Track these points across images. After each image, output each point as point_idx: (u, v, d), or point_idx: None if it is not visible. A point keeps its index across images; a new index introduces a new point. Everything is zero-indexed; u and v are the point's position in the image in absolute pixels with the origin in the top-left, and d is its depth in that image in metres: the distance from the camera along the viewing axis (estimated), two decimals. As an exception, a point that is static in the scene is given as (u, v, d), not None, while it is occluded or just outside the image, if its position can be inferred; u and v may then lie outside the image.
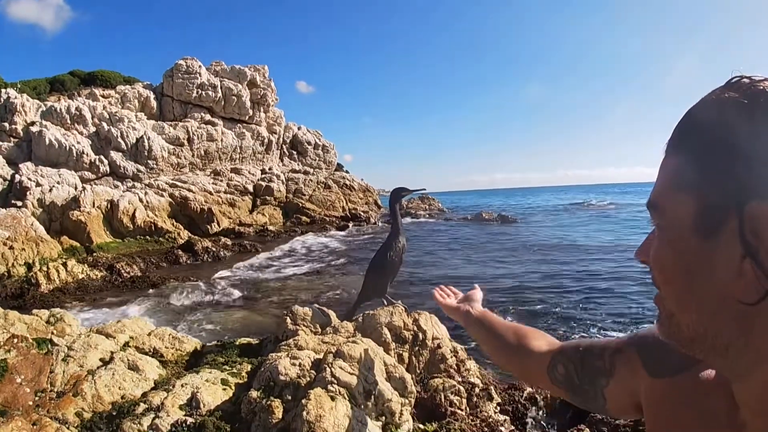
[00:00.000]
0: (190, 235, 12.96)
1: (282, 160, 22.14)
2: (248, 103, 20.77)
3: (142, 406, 1.94)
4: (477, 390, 2.52)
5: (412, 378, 2.27)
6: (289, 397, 1.91)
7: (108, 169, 15.91)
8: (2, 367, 2.03)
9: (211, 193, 15.91)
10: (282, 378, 1.97)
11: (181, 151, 17.85)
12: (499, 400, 2.59)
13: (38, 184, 13.01)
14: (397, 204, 2.84)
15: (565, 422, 2.59)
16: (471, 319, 1.00)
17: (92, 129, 16.65)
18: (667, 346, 0.46)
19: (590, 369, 0.68)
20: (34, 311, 2.72)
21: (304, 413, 1.71)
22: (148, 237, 12.65)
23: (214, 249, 10.86)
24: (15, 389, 2.00)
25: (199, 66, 20.28)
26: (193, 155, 18.21)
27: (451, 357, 2.68)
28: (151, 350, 2.61)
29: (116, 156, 16.12)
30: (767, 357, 0.39)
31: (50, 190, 12.87)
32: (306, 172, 19.92)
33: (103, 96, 19.45)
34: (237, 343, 2.88)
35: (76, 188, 13.45)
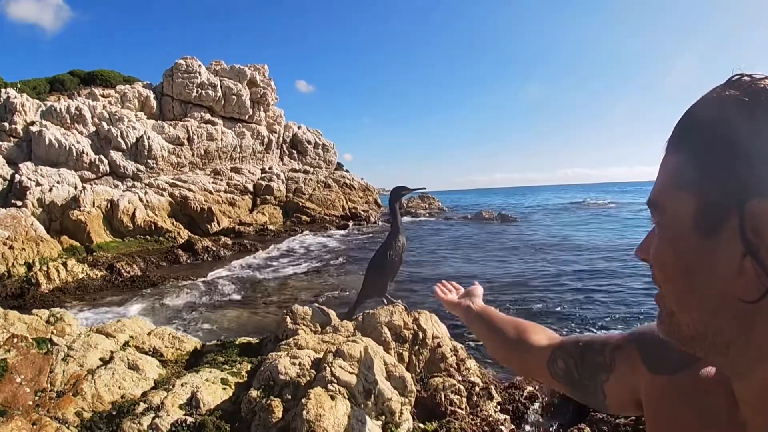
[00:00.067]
0: (190, 234, 12.96)
1: (282, 160, 22.13)
2: (248, 103, 20.76)
3: (142, 406, 1.94)
4: (477, 389, 2.52)
5: (412, 377, 2.27)
6: (289, 397, 1.91)
7: (108, 169, 15.91)
8: (2, 367, 2.03)
9: (211, 193, 15.91)
10: (282, 377, 1.96)
11: (181, 150, 17.85)
12: (500, 399, 2.59)
13: (38, 184, 13.01)
14: (397, 203, 2.84)
15: (565, 421, 2.59)
16: (471, 315, 1.00)
17: (92, 129, 16.65)
18: (667, 343, 0.46)
19: (590, 364, 0.68)
20: (34, 311, 2.72)
21: (304, 412, 1.71)
22: (148, 236, 12.65)
23: (214, 248, 10.86)
24: (15, 389, 2.00)
25: (199, 65, 20.27)
26: (193, 154, 18.20)
27: (451, 356, 2.68)
28: (151, 350, 2.61)
29: (116, 155, 16.12)
30: None
31: (50, 190, 12.87)
32: (306, 172, 19.91)
33: (102, 96, 19.44)
34: (237, 342, 2.88)
35: (76, 188, 13.44)
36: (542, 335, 0.82)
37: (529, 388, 2.74)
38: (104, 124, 16.62)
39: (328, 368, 1.94)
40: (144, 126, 17.51)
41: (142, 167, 16.38)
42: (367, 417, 1.86)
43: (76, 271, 7.75)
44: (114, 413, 1.95)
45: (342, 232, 15.48)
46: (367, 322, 2.66)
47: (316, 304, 3.10)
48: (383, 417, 1.95)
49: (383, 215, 18.64)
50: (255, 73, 21.37)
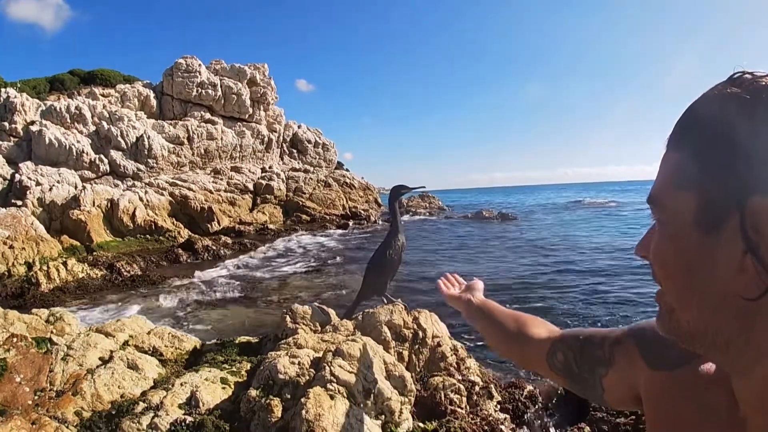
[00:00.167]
0: (190, 233, 12.96)
1: (282, 159, 22.13)
2: (248, 102, 20.75)
3: (142, 405, 1.93)
4: (477, 388, 2.51)
5: (411, 376, 2.27)
6: (289, 396, 1.90)
7: (108, 168, 15.91)
8: (2, 367, 2.03)
9: (211, 192, 15.91)
10: (281, 377, 1.96)
11: (181, 149, 17.85)
12: (500, 399, 2.58)
13: (38, 184, 13.01)
14: (397, 202, 2.83)
15: (565, 420, 2.58)
16: (472, 308, 1.00)
17: (92, 128, 16.64)
18: (667, 339, 0.46)
19: (589, 358, 0.68)
20: (34, 310, 2.72)
21: (303, 412, 1.71)
22: (148, 236, 12.65)
23: (214, 248, 10.86)
24: (14, 388, 1.99)
25: (199, 65, 20.26)
26: (193, 154, 18.20)
27: (451, 355, 2.67)
28: (151, 349, 2.61)
29: (116, 155, 16.12)
30: None
31: (50, 190, 12.87)
32: (306, 171, 19.90)
33: (102, 95, 19.44)
34: (236, 341, 2.88)
35: (76, 187, 13.44)
36: (542, 328, 0.82)
37: (529, 388, 2.74)
38: (104, 123, 16.62)
39: (327, 367, 1.93)
40: (144, 125, 17.51)
41: (142, 167, 16.38)
42: (367, 416, 1.86)
43: (76, 270, 7.75)
44: (113, 413, 1.95)
45: (342, 231, 15.48)
46: (367, 321, 2.66)
47: (316, 303, 3.09)
48: (383, 416, 1.95)
49: (383, 214, 18.63)
50: (255, 72, 21.36)
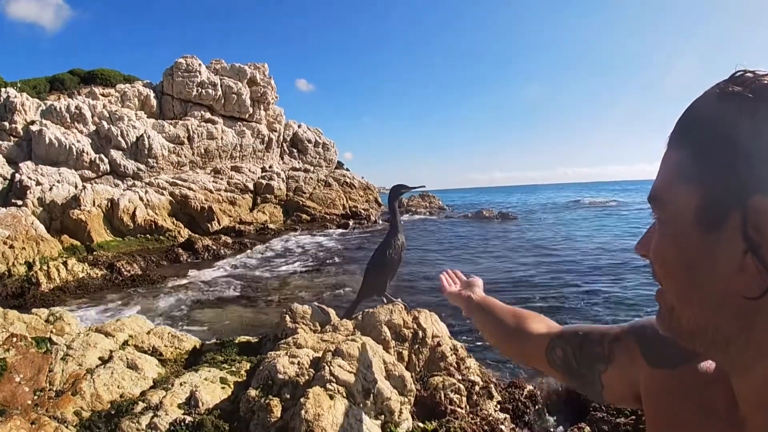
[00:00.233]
0: (190, 233, 12.97)
1: (282, 158, 22.12)
2: (248, 101, 20.74)
3: (141, 405, 1.93)
4: (477, 388, 2.51)
5: (411, 376, 2.27)
6: (288, 396, 1.90)
7: (108, 168, 15.91)
8: (1, 366, 2.02)
9: (211, 192, 15.91)
10: (281, 377, 1.96)
11: (182, 149, 17.84)
12: (500, 399, 2.58)
13: (38, 183, 13.01)
14: (396, 201, 2.83)
15: (565, 420, 2.58)
16: (472, 305, 1.01)
17: (92, 128, 16.64)
18: (667, 337, 0.46)
19: (588, 354, 0.68)
20: (34, 310, 2.72)
21: (303, 412, 1.71)
22: (148, 235, 12.65)
23: (214, 247, 10.87)
24: (14, 388, 1.99)
25: (199, 64, 20.25)
26: (193, 153, 18.20)
27: (451, 355, 2.67)
28: (150, 349, 2.61)
29: (116, 154, 16.11)
30: None
31: (50, 189, 12.87)
32: (306, 170, 19.90)
33: (102, 95, 19.43)
34: (236, 341, 2.88)
35: (76, 187, 13.45)
36: (542, 324, 0.82)
37: (530, 387, 2.74)
38: (104, 123, 16.62)
39: (327, 367, 1.93)
40: (144, 125, 17.50)
41: (142, 166, 16.38)
42: (366, 416, 1.85)
43: (77, 270, 7.75)
44: (113, 412, 1.95)
45: (342, 230, 15.48)
46: (367, 320, 2.66)
47: (316, 303, 3.09)
48: (382, 416, 1.94)
49: (383, 214, 18.63)
50: (255, 71, 21.35)
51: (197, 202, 14.69)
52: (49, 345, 2.28)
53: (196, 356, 2.69)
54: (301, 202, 17.75)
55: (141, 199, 13.55)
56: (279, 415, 1.82)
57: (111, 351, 2.41)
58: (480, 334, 1.12)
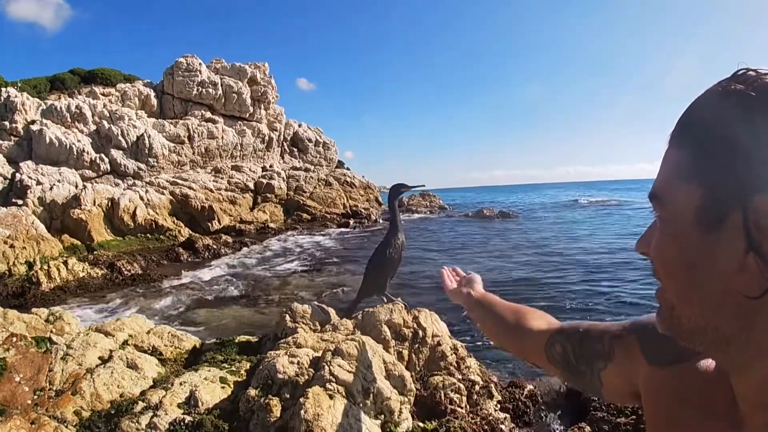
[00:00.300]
0: (191, 232, 12.97)
1: (283, 158, 22.12)
2: (249, 101, 20.74)
3: (141, 405, 1.93)
4: (477, 388, 2.51)
5: (411, 376, 2.26)
6: (288, 396, 1.90)
7: (108, 168, 15.91)
8: (1, 366, 2.02)
9: (211, 191, 15.91)
10: (280, 376, 1.96)
11: (182, 148, 17.84)
12: (500, 398, 2.58)
13: (39, 183, 13.02)
14: (396, 201, 2.82)
15: (566, 420, 2.58)
16: (472, 301, 1.01)
17: (92, 127, 16.64)
18: (666, 335, 0.46)
19: (588, 350, 0.68)
20: (33, 310, 2.72)
21: (302, 412, 1.71)
22: (149, 235, 12.66)
23: (215, 246, 10.87)
24: (14, 388, 1.99)
25: (200, 63, 20.24)
26: (193, 153, 18.20)
27: (452, 354, 2.67)
28: (150, 348, 2.61)
29: (117, 154, 16.12)
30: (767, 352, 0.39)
31: (51, 189, 12.88)
32: (307, 170, 19.90)
33: (103, 94, 19.43)
34: (236, 340, 2.88)
35: (76, 186, 13.45)
36: (541, 320, 0.82)
37: (530, 387, 2.74)
38: (105, 122, 16.62)
39: (326, 367, 1.93)
40: (144, 124, 17.50)
41: (142, 166, 16.38)
42: (366, 416, 1.85)
43: (77, 269, 7.75)
44: (113, 412, 1.94)
45: (343, 229, 15.48)
46: (367, 320, 2.65)
47: (316, 302, 3.09)
48: (382, 416, 1.94)
49: (384, 213, 18.63)
50: (255, 71, 21.34)
51: (198, 201, 14.69)
52: (49, 345, 2.28)
53: (196, 356, 2.69)
54: (301, 202, 17.75)
55: (141, 198, 13.55)
56: (278, 415, 1.82)
57: (111, 350, 2.41)
58: (479, 330, 1.12)
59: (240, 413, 1.89)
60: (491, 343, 3.71)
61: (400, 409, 2.00)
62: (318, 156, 23.30)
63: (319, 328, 2.76)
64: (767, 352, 0.39)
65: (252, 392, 1.91)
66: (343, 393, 1.85)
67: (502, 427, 2.30)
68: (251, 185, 17.52)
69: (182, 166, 17.66)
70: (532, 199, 43.28)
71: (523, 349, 0.85)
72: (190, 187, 15.39)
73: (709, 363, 0.51)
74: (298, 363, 2.03)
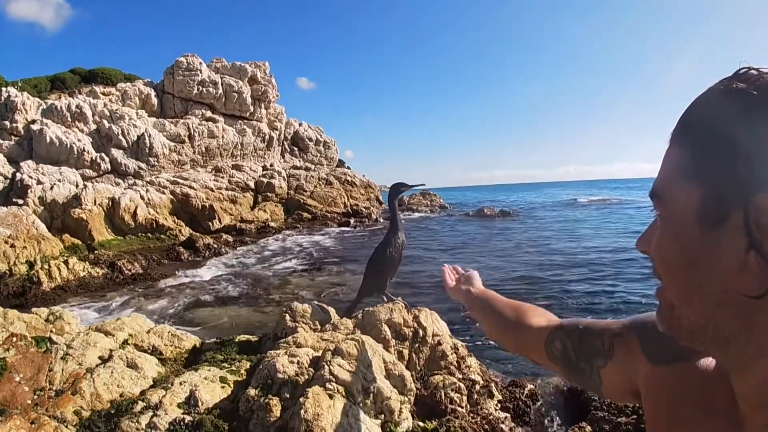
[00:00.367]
0: (191, 232, 12.98)
1: (283, 157, 22.12)
2: (249, 100, 20.73)
3: (141, 405, 1.93)
4: (477, 387, 2.50)
5: (411, 375, 2.26)
6: (288, 395, 1.90)
7: (109, 167, 15.91)
8: (1, 366, 2.02)
9: (212, 190, 15.92)
10: (280, 376, 1.95)
11: (182, 148, 17.84)
12: (500, 398, 2.57)
13: (39, 182, 13.03)
14: (396, 200, 2.82)
15: (566, 420, 2.57)
16: (472, 298, 1.01)
17: (93, 127, 16.65)
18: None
19: (588, 348, 0.68)
20: (34, 309, 2.72)
21: (302, 411, 1.70)
22: (149, 234, 12.67)
23: (215, 246, 10.88)
24: (14, 388, 1.99)
25: (200, 63, 20.23)
26: (194, 152, 18.20)
27: (452, 354, 2.66)
28: (150, 348, 2.60)
29: (117, 153, 16.12)
30: None
31: (51, 188, 12.89)
32: (307, 169, 19.89)
33: (103, 93, 19.43)
34: (236, 340, 2.87)
35: (77, 186, 13.46)
36: (542, 317, 0.82)
37: (530, 386, 2.73)
38: (105, 122, 16.62)
39: (326, 367, 1.92)
40: (145, 124, 17.50)
41: (143, 165, 16.39)
42: (366, 415, 1.85)
43: (78, 269, 7.76)
44: (113, 412, 1.94)
45: (343, 229, 15.48)
46: (367, 319, 2.65)
47: (316, 302, 3.08)
48: (382, 416, 1.94)
49: (384, 212, 18.62)
50: (256, 70, 21.33)
51: (198, 200, 14.70)
52: (49, 344, 2.28)
53: (196, 355, 2.69)
54: (302, 201, 17.75)
55: (142, 197, 13.56)
56: (278, 415, 1.81)
57: (111, 350, 2.41)
58: (479, 327, 1.12)
59: (240, 413, 1.89)
60: (491, 342, 3.71)
61: (400, 408, 2.00)
62: (318, 155, 23.29)
63: (319, 327, 2.75)
64: (767, 351, 0.39)
65: (252, 392, 1.91)
66: (343, 393, 1.85)
67: (503, 426, 2.30)
68: (252, 184, 17.53)
69: (183, 165, 17.66)
70: (532, 198, 43.26)
71: (522, 345, 0.84)
72: (190, 187, 15.39)
73: (709, 362, 0.51)
74: (298, 362, 2.03)
